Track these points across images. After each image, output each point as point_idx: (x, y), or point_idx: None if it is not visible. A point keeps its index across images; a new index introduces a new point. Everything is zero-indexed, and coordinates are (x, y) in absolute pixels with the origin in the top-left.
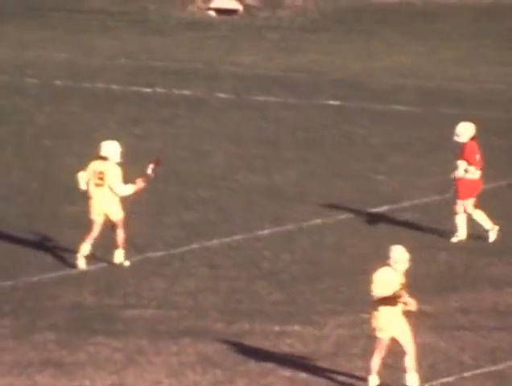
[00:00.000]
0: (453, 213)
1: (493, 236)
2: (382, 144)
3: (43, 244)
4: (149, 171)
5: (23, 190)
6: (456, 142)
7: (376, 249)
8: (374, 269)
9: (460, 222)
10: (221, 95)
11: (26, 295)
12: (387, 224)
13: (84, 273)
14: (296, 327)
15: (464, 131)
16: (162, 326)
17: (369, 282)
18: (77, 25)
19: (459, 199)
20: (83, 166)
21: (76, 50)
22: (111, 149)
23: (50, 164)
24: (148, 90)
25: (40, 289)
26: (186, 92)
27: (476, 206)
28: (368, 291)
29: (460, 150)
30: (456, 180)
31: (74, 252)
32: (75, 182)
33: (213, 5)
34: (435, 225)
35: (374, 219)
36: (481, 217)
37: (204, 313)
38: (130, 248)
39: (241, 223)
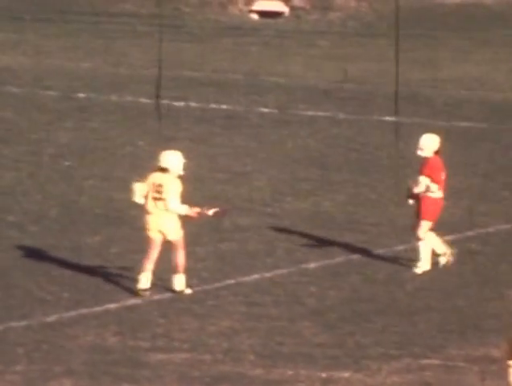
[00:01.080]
0: (416, 239)
1: (443, 261)
2: (445, 165)
3: (60, 279)
4: (210, 211)
5: (40, 217)
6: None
7: (435, 284)
8: (431, 308)
9: (426, 249)
10: (264, 110)
11: (41, 337)
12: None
13: (106, 311)
14: (345, 374)
15: (428, 144)
16: (194, 371)
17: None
18: (103, 30)
19: (424, 220)
20: (105, 189)
21: (102, 58)
22: (173, 160)
23: (70, 188)
24: (181, 104)
25: (57, 330)
26: (224, 106)
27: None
28: (426, 332)
29: (422, 165)
30: (418, 198)
31: (95, 287)
32: (129, 195)
33: (256, 7)
34: (504, 257)
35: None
36: (435, 241)
37: (241, 356)
38: (158, 282)
39: (283, 255)
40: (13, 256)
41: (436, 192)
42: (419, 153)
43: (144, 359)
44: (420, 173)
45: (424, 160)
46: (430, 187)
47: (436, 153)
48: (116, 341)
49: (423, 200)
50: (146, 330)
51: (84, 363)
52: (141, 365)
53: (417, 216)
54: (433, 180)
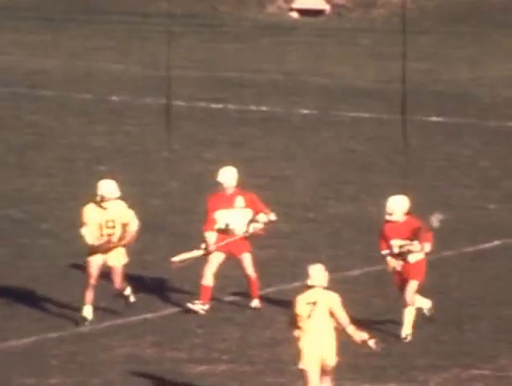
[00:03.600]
0: (403, 305)
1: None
2: (493, 167)
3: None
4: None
5: (74, 225)
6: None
7: (485, 291)
8: (479, 317)
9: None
10: (304, 111)
11: (76, 348)
12: (499, 262)
13: (143, 321)
14: (391, 385)
15: (397, 208)
16: (234, 383)
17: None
18: (137, 31)
19: (414, 280)
20: (140, 195)
21: (136, 60)
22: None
23: None
24: (219, 106)
25: (92, 341)
26: (263, 108)
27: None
28: (475, 342)
29: (395, 230)
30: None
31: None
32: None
33: (296, 5)
34: None
35: (484, 255)
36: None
37: (283, 368)
38: (196, 292)
39: (326, 262)
40: (46, 265)
41: (422, 251)
42: (388, 217)
43: (182, 371)
44: (397, 237)
45: (396, 224)
46: (423, 247)
47: (407, 213)
48: (153, 352)
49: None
50: (185, 340)
51: (121, 375)
52: (179, 377)
53: (403, 277)
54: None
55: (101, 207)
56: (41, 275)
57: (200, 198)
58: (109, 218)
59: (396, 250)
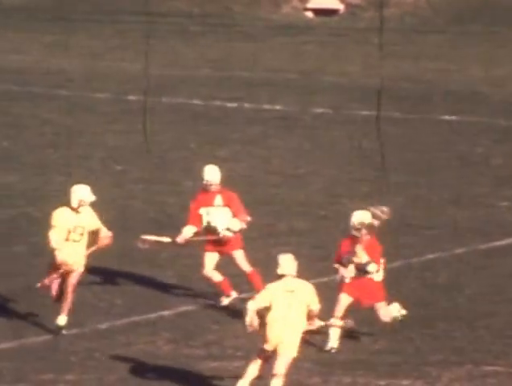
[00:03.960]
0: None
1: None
2: (506, 165)
3: (112, 286)
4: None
5: None
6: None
7: (498, 288)
8: (492, 313)
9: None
10: (318, 110)
11: (93, 345)
12: (511, 259)
13: (158, 318)
14: (405, 381)
15: (362, 225)
16: None
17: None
18: (154, 31)
19: (382, 302)
20: (157, 193)
21: (153, 59)
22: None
23: (121, 192)
24: (234, 105)
25: (109, 338)
26: (277, 107)
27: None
28: (488, 338)
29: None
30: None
31: (147, 293)
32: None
33: (311, 4)
34: None
35: (496, 253)
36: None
37: (298, 364)
38: (211, 288)
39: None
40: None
41: (380, 274)
42: (355, 233)
43: (198, 367)
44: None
45: (359, 240)
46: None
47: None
48: (169, 348)
49: (377, 282)
50: (200, 337)
51: (137, 371)
52: (194, 373)
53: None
54: (376, 262)
55: (75, 211)
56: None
57: None
58: (79, 224)
59: (352, 266)
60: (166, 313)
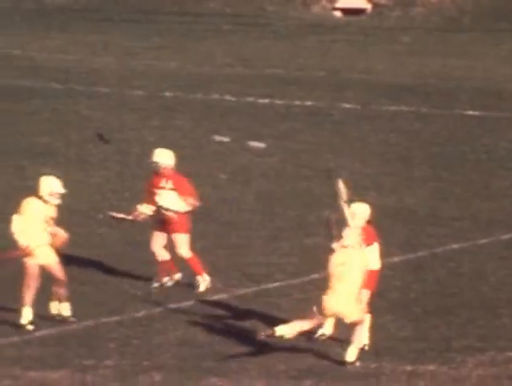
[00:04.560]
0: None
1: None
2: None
3: (149, 275)
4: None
5: (129, 214)
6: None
7: None
8: None
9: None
10: (346, 106)
11: (131, 332)
12: None
13: (194, 306)
14: (430, 367)
15: (360, 215)
16: (280, 365)
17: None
18: (189, 30)
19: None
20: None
21: (188, 58)
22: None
23: None
24: (266, 101)
25: (147, 325)
26: (308, 103)
27: None
28: (510, 326)
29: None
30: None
31: (184, 282)
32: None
33: (339, 4)
34: None
35: None
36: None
37: (327, 350)
38: (243, 278)
39: None
40: (103, 253)
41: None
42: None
43: (231, 353)
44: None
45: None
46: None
47: (369, 222)
48: (204, 335)
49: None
50: (235, 324)
51: (174, 358)
52: (228, 359)
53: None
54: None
55: (46, 202)
56: (99, 263)
57: (247, 188)
58: (50, 214)
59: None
60: (201, 301)
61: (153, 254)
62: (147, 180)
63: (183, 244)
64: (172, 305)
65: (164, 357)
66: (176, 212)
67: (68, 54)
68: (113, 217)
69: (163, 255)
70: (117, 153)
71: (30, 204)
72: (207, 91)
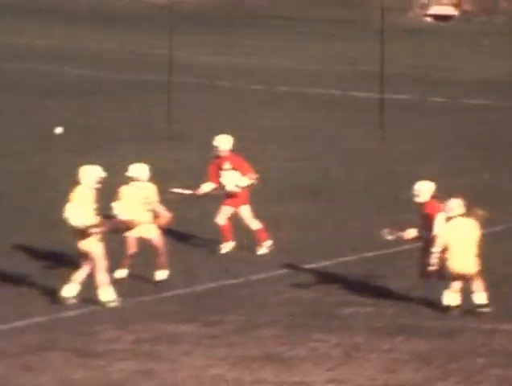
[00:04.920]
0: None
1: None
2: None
3: (252, 245)
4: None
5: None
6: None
7: None
8: None
9: None
10: (437, 99)
11: (249, 292)
12: None
13: (304, 270)
14: (507, 326)
15: (424, 190)
16: (377, 323)
17: None
18: (303, 33)
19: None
20: (303, 169)
21: (300, 57)
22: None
23: (277, 166)
24: (366, 94)
25: (262, 287)
26: (403, 96)
27: None
28: None
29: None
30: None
31: (293, 248)
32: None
33: (431, 11)
34: None
35: None
36: None
37: (419, 310)
38: (346, 249)
39: None
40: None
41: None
42: (417, 199)
43: (335, 312)
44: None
45: (422, 205)
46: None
47: (434, 197)
48: (313, 296)
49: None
50: (338, 287)
51: (285, 315)
52: (332, 317)
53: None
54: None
55: (136, 187)
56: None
57: (354, 170)
58: (144, 196)
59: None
60: (310, 267)
61: (218, 225)
62: (211, 162)
63: (249, 214)
64: (284, 270)
65: (276, 314)
66: (240, 188)
67: (194, 53)
68: (174, 192)
69: (223, 221)
70: (241, 140)
71: (125, 190)
72: (314, 85)
